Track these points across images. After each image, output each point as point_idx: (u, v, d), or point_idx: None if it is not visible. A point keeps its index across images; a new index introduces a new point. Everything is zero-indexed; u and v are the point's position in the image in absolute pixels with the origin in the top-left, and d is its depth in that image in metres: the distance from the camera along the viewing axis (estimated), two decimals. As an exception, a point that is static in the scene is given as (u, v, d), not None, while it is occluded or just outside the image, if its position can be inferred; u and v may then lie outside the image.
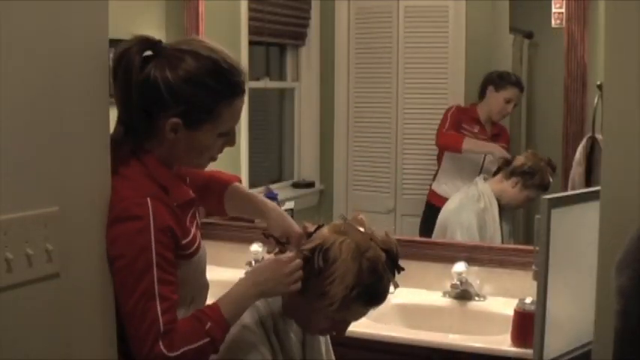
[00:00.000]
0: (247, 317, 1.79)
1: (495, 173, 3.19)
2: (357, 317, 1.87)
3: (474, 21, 3.34)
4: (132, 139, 1.70)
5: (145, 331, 1.60)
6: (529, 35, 3.32)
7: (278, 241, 1.92)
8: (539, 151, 3.13)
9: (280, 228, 1.94)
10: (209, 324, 1.67)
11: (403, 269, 1.87)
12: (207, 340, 1.65)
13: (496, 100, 3.25)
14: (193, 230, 1.77)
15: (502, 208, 3.15)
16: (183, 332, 1.64)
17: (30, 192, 1.38)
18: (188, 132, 1.69)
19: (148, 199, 1.63)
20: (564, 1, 2.80)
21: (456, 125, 3.28)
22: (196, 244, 1.77)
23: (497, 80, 3.26)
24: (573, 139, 2.77)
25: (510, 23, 3.33)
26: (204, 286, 1.88)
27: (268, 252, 2.02)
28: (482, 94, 3.28)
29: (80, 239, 1.49)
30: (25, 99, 1.36)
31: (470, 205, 3.14)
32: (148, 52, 1.69)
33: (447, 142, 3.32)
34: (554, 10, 2.89)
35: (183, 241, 1.71)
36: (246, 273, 1.88)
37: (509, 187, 3.11)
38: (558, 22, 2.87)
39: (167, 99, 1.65)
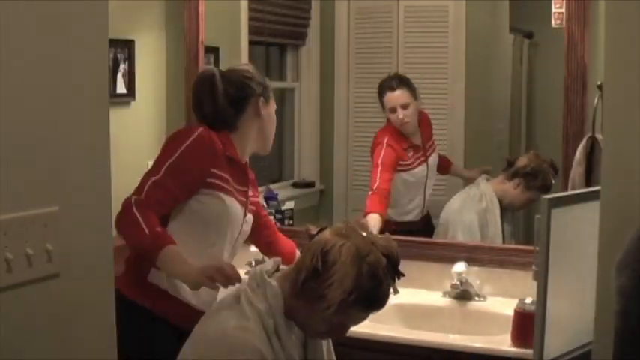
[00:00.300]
0: (248, 317, 1.79)
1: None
2: (355, 322, 1.86)
3: (474, 21, 3.34)
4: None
5: (135, 190, 2.17)
6: (529, 35, 3.32)
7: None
8: (540, 151, 3.13)
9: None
10: (150, 240, 2.08)
11: (403, 275, 1.87)
12: (137, 241, 2.10)
13: (390, 119, 3.20)
14: (231, 183, 2.27)
15: (503, 209, 3.15)
16: (146, 216, 2.09)
17: (30, 192, 1.38)
18: (266, 106, 2.37)
19: (202, 128, 2.24)
20: (564, 1, 2.80)
21: (393, 167, 3.18)
22: (227, 189, 2.25)
23: (379, 87, 3.21)
24: (573, 139, 2.77)
25: (510, 23, 3.33)
26: (227, 239, 2.31)
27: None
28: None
29: (80, 239, 1.49)
30: (24, 99, 1.36)
31: (471, 204, 3.14)
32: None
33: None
34: (554, 10, 2.89)
35: (212, 170, 2.22)
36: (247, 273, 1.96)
37: (512, 189, 3.11)
38: (558, 22, 2.87)
39: (251, 90, 2.36)
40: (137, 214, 2.10)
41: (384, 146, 3.19)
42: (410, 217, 3.29)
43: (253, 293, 1.82)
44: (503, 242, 3.13)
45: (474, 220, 3.11)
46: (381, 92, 3.22)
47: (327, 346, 2.00)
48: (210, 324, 1.84)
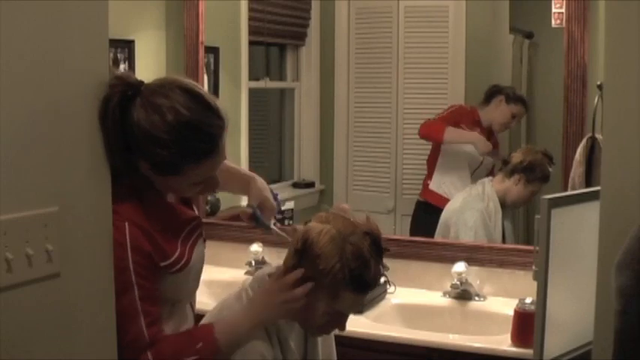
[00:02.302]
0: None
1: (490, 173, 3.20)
2: (351, 307, 1.83)
3: (474, 21, 3.34)
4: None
5: (131, 345, 1.65)
6: (529, 35, 3.32)
7: (252, 216, 1.96)
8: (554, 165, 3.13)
9: (259, 197, 2.01)
10: (200, 344, 1.70)
11: (388, 250, 1.85)
12: (194, 358, 1.68)
13: (503, 112, 3.24)
14: (180, 248, 1.77)
15: (506, 207, 3.16)
16: (173, 345, 1.69)
17: (30, 192, 1.38)
18: (159, 177, 1.71)
19: (126, 224, 1.66)
20: (564, 1, 2.80)
21: (454, 123, 3.27)
22: (184, 260, 1.77)
23: (510, 92, 3.25)
24: (573, 139, 2.77)
25: (510, 23, 3.33)
26: (194, 288, 1.91)
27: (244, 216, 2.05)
28: (487, 101, 3.27)
29: (80, 239, 1.49)
30: (24, 99, 1.36)
31: (473, 204, 3.14)
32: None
33: (429, 131, 3.29)
34: (554, 10, 2.89)
35: (163, 263, 1.72)
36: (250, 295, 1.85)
37: (513, 185, 3.11)
38: (558, 22, 2.87)
39: (136, 146, 1.66)
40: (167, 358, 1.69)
41: (453, 108, 3.30)
42: (448, 192, 3.29)
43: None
44: (504, 241, 3.13)
45: (477, 219, 3.11)
46: (512, 99, 3.24)
47: (329, 348, 2.00)
48: None
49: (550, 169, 3.05)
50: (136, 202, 1.71)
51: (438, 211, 3.22)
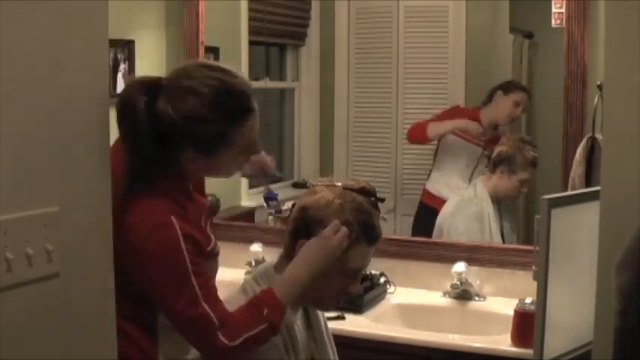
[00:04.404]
0: None
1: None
2: (365, 261, 1.88)
3: (474, 21, 3.34)
4: (146, 172, 1.75)
5: (202, 333, 1.70)
6: (529, 35, 3.32)
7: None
8: (540, 151, 3.13)
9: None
10: (266, 310, 1.73)
11: (383, 200, 1.93)
12: (265, 325, 1.72)
13: (505, 104, 3.24)
14: (212, 235, 1.85)
15: (501, 205, 3.15)
16: (241, 321, 1.72)
17: (30, 192, 1.38)
18: (207, 158, 1.77)
19: (172, 217, 1.71)
20: (564, 1, 2.80)
21: (452, 115, 3.27)
22: (214, 244, 1.84)
23: (506, 85, 3.25)
24: (573, 139, 2.77)
25: (510, 23, 3.33)
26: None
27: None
28: (488, 100, 3.27)
29: (80, 239, 1.49)
30: (24, 99, 1.36)
31: (465, 208, 3.14)
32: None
33: (414, 134, 3.31)
34: (554, 10, 2.89)
35: (208, 248, 1.79)
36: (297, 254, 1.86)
37: (498, 180, 3.12)
38: (558, 22, 2.87)
39: (177, 136, 1.73)
40: (240, 335, 1.72)
41: (454, 107, 3.31)
42: (444, 193, 3.29)
43: (258, 287, 1.84)
44: (504, 241, 3.13)
45: (469, 224, 3.11)
46: (510, 89, 3.24)
47: (326, 329, 2.02)
48: None
49: (533, 154, 3.06)
50: (169, 195, 1.76)
51: (434, 211, 3.21)
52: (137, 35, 3.23)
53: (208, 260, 1.80)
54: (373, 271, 2.89)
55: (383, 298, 2.89)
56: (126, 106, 1.71)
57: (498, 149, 3.11)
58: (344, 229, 1.77)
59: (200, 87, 1.72)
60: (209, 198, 3.30)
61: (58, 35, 1.42)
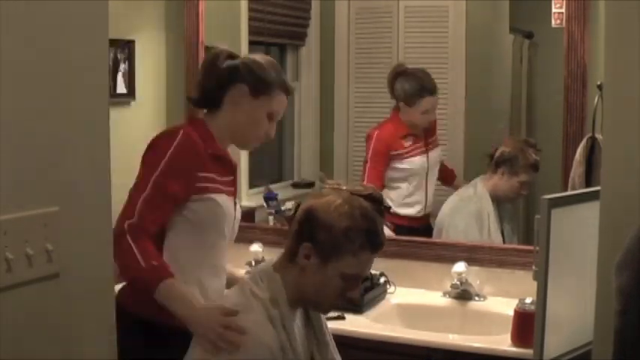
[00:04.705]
0: (253, 308, 1.81)
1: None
2: (367, 267, 1.92)
3: (473, 21, 3.34)
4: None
5: (125, 211, 2.08)
6: (529, 35, 3.32)
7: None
8: (540, 151, 3.13)
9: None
10: (156, 272, 2.02)
11: (390, 208, 1.99)
12: (141, 274, 2.02)
13: (414, 115, 3.23)
14: (217, 179, 2.20)
15: (502, 205, 3.15)
16: (141, 245, 2.03)
17: (30, 192, 1.38)
18: (250, 99, 2.21)
19: (181, 130, 2.17)
20: (564, 1, 2.80)
21: (385, 156, 3.24)
22: (215, 188, 2.18)
23: (408, 97, 3.22)
24: (573, 139, 2.76)
25: (510, 23, 3.32)
26: (226, 236, 2.27)
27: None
28: (408, 104, 3.25)
29: (80, 239, 1.49)
30: (24, 99, 1.36)
31: (464, 207, 3.13)
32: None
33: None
34: (554, 10, 2.89)
35: (199, 174, 2.14)
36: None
37: (499, 180, 3.12)
38: (558, 22, 2.87)
39: (238, 75, 2.21)
40: (132, 243, 2.03)
41: (373, 140, 3.26)
42: (411, 211, 3.27)
43: (257, 286, 1.84)
44: (504, 241, 3.12)
45: (468, 222, 3.10)
46: (420, 94, 3.21)
47: (329, 336, 2.02)
48: None
49: (536, 157, 3.06)
50: (205, 128, 2.23)
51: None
52: (137, 35, 3.23)
53: (198, 193, 2.14)
54: (373, 272, 2.88)
55: (383, 298, 2.89)
56: (213, 53, 2.27)
57: (501, 149, 3.10)
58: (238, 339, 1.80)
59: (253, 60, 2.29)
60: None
61: (58, 35, 1.42)
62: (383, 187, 3.20)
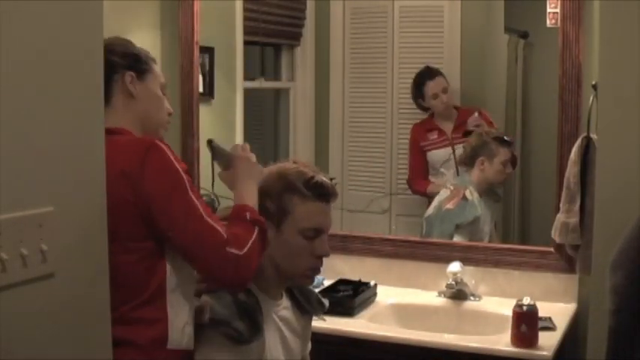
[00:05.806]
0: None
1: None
2: (324, 219, 1.92)
3: (469, 21, 3.35)
4: None
5: (213, 248, 1.73)
6: (524, 35, 3.33)
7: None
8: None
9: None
10: (248, 214, 1.80)
11: (333, 179, 2.04)
12: (257, 228, 1.79)
13: (428, 103, 3.36)
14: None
15: (489, 192, 3.18)
16: (239, 231, 1.76)
17: (25, 192, 1.38)
18: (141, 84, 1.98)
19: (155, 141, 1.80)
20: (559, 1, 2.81)
21: (418, 149, 3.38)
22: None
23: (416, 89, 3.38)
24: (568, 138, 2.77)
25: (505, 23, 3.33)
26: None
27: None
28: (418, 106, 3.40)
29: (75, 239, 1.48)
30: (20, 98, 1.36)
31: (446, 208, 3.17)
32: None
33: (416, 188, 3.44)
34: (549, 10, 2.89)
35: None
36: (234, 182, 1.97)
37: (480, 171, 3.17)
38: (553, 22, 2.87)
39: (118, 62, 2.00)
40: (246, 244, 1.77)
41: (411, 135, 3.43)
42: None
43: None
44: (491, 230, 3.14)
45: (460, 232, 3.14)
46: (420, 84, 3.35)
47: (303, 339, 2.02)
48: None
49: (495, 132, 3.16)
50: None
51: None
52: (132, 35, 3.22)
53: None
54: (362, 279, 2.92)
55: (373, 301, 2.89)
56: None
57: (464, 146, 3.20)
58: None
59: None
60: (204, 198, 3.31)
61: (52, 35, 1.41)
62: (427, 172, 3.40)
